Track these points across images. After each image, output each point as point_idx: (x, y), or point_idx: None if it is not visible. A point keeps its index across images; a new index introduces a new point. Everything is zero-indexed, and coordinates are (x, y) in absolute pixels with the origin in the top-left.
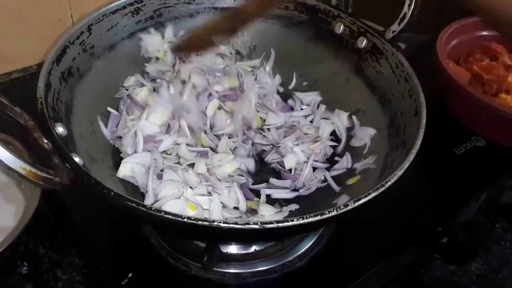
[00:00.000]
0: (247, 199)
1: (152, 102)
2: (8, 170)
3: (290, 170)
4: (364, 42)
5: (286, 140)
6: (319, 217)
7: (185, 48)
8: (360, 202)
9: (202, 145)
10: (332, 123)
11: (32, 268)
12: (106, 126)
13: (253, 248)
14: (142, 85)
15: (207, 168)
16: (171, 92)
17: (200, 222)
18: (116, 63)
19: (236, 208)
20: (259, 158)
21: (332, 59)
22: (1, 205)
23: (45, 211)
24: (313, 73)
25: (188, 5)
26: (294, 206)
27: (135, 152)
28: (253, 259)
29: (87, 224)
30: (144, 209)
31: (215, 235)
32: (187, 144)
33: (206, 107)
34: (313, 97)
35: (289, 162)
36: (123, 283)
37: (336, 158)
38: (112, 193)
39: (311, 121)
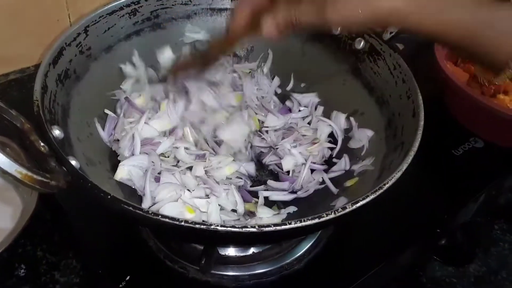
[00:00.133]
0: (245, 201)
1: (163, 109)
2: (4, 174)
3: (288, 172)
4: (362, 43)
5: (284, 142)
6: (317, 220)
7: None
8: (358, 204)
9: (201, 149)
10: (330, 125)
11: (30, 270)
12: (103, 129)
13: (251, 250)
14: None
15: (205, 171)
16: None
17: (197, 226)
18: (113, 64)
19: (234, 210)
20: (257, 160)
21: (330, 60)
22: None
23: (42, 214)
24: (310, 74)
25: (185, 6)
26: (292, 208)
27: (133, 154)
28: (251, 262)
29: (85, 226)
30: (141, 212)
31: (213, 238)
32: (185, 148)
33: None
34: (311, 98)
35: (287, 164)
36: (120, 285)
37: (334, 160)
38: (109, 197)
39: (309, 123)
